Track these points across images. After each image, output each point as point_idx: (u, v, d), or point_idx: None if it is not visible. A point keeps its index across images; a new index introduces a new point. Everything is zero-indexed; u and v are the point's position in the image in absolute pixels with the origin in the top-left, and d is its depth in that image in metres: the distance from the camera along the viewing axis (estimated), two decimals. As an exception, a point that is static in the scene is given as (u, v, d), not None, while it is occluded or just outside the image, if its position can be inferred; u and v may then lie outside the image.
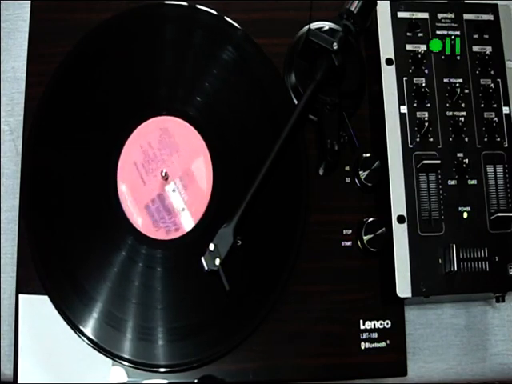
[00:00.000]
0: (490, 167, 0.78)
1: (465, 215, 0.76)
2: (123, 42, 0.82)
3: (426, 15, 0.81)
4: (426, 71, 0.79)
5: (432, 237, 0.75)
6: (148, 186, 0.78)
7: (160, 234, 0.77)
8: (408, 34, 0.80)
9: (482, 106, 0.79)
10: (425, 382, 0.81)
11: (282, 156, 0.76)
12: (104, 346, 0.74)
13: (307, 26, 0.80)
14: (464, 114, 0.79)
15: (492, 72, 0.80)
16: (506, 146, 0.79)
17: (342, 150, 0.78)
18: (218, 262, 0.73)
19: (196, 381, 0.75)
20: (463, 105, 0.79)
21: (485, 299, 0.82)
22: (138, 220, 0.77)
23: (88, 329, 0.75)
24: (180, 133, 0.80)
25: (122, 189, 0.78)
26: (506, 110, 0.79)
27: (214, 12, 0.83)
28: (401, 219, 0.75)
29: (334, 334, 0.77)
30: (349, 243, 0.79)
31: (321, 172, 0.81)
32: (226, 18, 0.83)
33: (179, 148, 0.79)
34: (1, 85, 0.85)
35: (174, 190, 0.78)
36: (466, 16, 0.81)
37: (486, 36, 0.81)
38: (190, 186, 0.78)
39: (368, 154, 0.79)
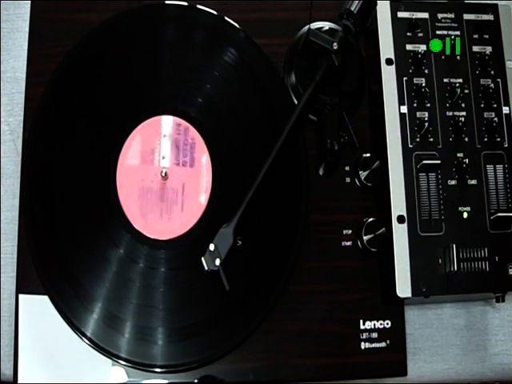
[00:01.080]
0: (490, 167, 0.78)
1: (465, 215, 0.76)
2: (123, 42, 0.82)
3: (426, 15, 0.81)
4: (426, 71, 0.79)
5: (432, 237, 0.75)
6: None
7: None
8: (408, 34, 0.80)
9: (482, 105, 0.79)
10: (425, 382, 0.81)
11: (281, 156, 0.76)
12: (104, 346, 0.74)
13: (307, 26, 0.80)
14: (464, 114, 0.79)
15: (492, 72, 0.80)
16: (506, 145, 0.79)
17: (341, 149, 0.78)
18: (218, 262, 0.73)
19: (196, 381, 0.75)
20: (463, 105, 0.79)
21: (485, 299, 0.82)
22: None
23: (88, 329, 0.75)
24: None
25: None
26: (506, 110, 0.79)
27: (214, 12, 0.83)
28: (401, 219, 0.75)
29: (334, 334, 0.77)
30: (349, 243, 0.79)
31: (321, 172, 0.81)
32: (226, 18, 0.83)
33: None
34: (1, 85, 0.85)
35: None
36: (466, 16, 0.81)
37: (486, 36, 0.81)
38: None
39: (368, 154, 0.79)
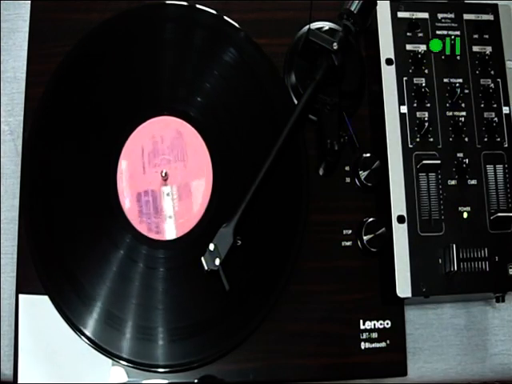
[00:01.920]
0: (490, 167, 0.78)
1: (465, 215, 0.76)
2: (123, 42, 0.82)
3: (426, 15, 0.81)
4: (426, 71, 0.79)
5: (432, 237, 0.75)
6: (147, 176, 0.78)
7: (142, 228, 0.77)
8: (408, 34, 0.80)
9: (482, 105, 0.79)
10: (425, 382, 0.81)
11: (281, 156, 0.76)
12: (104, 346, 0.74)
13: (307, 26, 0.80)
14: (464, 114, 0.79)
15: (492, 72, 0.80)
16: (506, 145, 0.79)
17: (341, 149, 0.78)
18: (217, 261, 0.73)
19: (196, 381, 0.75)
20: (463, 105, 0.79)
21: (485, 299, 0.82)
22: (126, 202, 0.77)
23: (88, 329, 0.75)
24: (192, 144, 0.79)
25: (123, 166, 0.78)
26: (505, 110, 0.79)
27: (214, 12, 0.83)
28: (401, 219, 0.75)
29: (334, 334, 0.77)
30: (349, 243, 0.79)
31: (321, 172, 0.81)
32: (226, 18, 0.83)
33: (187, 159, 0.79)
34: (1, 85, 0.85)
35: (168, 195, 0.78)
36: (466, 16, 0.81)
37: (486, 36, 0.81)
38: (185, 197, 0.78)
39: (368, 154, 0.79)
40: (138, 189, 0.78)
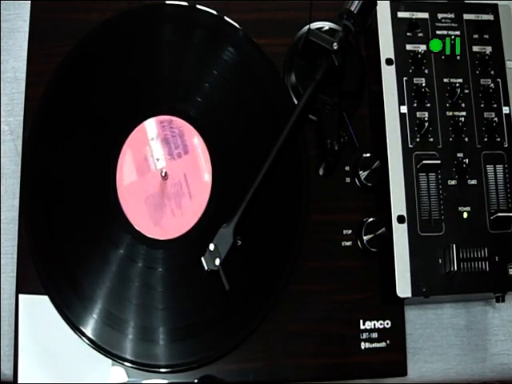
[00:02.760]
0: (490, 167, 0.78)
1: (465, 215, 0.76)
2: (123, 42, 0.82)
3: (426, 15, 0.81)
4: (426, 71, 0.79)
5: (432, 237, 0.75)
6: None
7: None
8: (408, 34, 0.80)
9: (482, 105, 0.79)
10: (425, 382, 0.81)
11: (282, 156, 0.76)
12: (104, 346, 0.74)
13: (307, 26, 0.80)
14: (464, 114, 0.79)
15: (492, 72, 0.80)
16: (506, 145, 0.79)
17: (341, 149, 0.78)
18: (217, 261, 0.73)
19: (196, 381, 0.75)
20: (463, 105, 0.79)
21: (485, 299, 0.82)
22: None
23: (88, 329, 0.75)
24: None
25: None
26: (505, 110, 0.79)
27: (214, 12, 0.83)
28: (401, 219, 0.75)
29: (334, 334, 0.77)
30: (349, 243, 0.79)
31: (321, 172, 0.81)
32: (226, 18, 0.83)
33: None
34: (1, 85, 0.85)
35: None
36: (466, 16, 0.81)
37: (486, 36, 0.81)
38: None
39: (368, 154, 0.79)
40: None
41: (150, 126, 0.79)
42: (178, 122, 0.80)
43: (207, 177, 0.79)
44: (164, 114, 0.80)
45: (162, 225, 0.77)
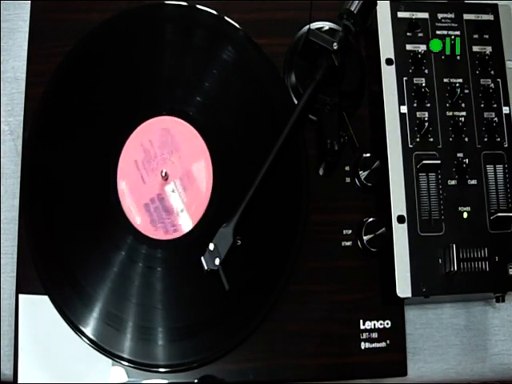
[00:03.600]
0: (490, 167, 0.78)
1: (465, 215, 0.76)
2: (123, 42, 0.82)
3: (426, 15, 0.81)
4: (426, 71, 0.79)
5: (432, 237, 0.75)
6: (148, 185, 0.78)
7: (158, 234, 0.77)
8: (408, 34, 0.80)
9: (482, 105, 0.79)
10: (425, 382, 0.81)
11: (281, 156, 0.76)
12: (104, 346, 0.74)
13: (307, 26, 0.80)
14: (464, 114, 0.79)
15: (492, 72, 0.80)
16: (506, 145, 0.79)
17: (341, 149, 0.78)
18: (217, 261, 0.73)
19: (196, 381, 0.75)
20: (463, 105, 0.79)
21: (485, 299, 0.82)
22: (137, 219, 0.77)
23: (88, 329, 0.75)
24: (181, 133, 0.80)
25: (122, 186, 0.78)
26: (505, 110, 0.79)
27: (214, 12, 0.83)
28: (401, 219, 0.75)
29: (334, 334, 0.77)
30: (349, 243, 0.79)
31: (321, 172, 0.81)
32: (226, 18, 0.82)
33: (180, 148, 0.79)
34: (1, 85, 0.85)
35: (173, 191, 0.78)
36: (466, 16, 0.81)
37: (486, 36, 0.81)
38: (189, 186, 0.78)
39: (368, 154, 0.79)
40: (143, 200, 0.78)
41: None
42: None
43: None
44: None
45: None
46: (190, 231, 0.77)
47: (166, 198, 0.78)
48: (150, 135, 0.79)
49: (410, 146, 0.77)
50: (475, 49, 0.80)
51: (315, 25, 0.82)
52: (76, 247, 0.77)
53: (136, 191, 0.78)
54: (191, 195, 0.78)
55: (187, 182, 0.78)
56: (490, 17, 0.81)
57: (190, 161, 0.79)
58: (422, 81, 0.79)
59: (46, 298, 0.76)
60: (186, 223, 0.77)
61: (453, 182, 0.77)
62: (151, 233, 0.77)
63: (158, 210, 0.78)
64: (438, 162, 0.76)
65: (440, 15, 0.81)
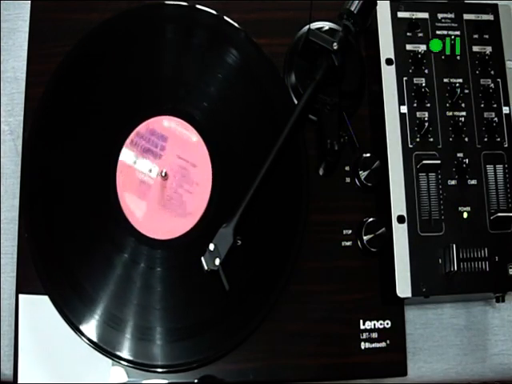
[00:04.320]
0: (490, 167, 0.78)
1: (465, 215, 0.76)
2: (123, 42, 0.82)
3: (426, 15, 0.81)
4: (426, 71, 0.79)
5: (432, 237, 0.75)
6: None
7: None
8: (408, 34, 0.80)
9: (482, 105, 0.79)
10: (425, 382, 0.81)
11: (282, 156, 0.76)
12: (104, 347, 0.74)
13: (307, 26, 0.80)
14: (464, 114, 0.79)
15: (492, 72, 0.80)
16: (506, 145, 0.79)
17: (341, 149, 0.78)
18: (217, 261, 0.73)
19: (196, 381, 0.75)
20: (463, 105, 0.79)
21: (485, 299, 0.82)
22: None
23: (88, 329, 0.75)
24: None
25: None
26: (505, 110, 0.79)
27: (214, 12, 0.83)
28: (401, 219, 0.75)
29: (334, 334, 0.77)
30: (349, 243, 0.79)
31: (321, 172, 0.81)
32: (226, 18, 0.82)
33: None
34: (1, 85, 0.85)
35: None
36: (466, 16, 0.81)
37: (486, 36, 0.81)
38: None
39: (368, 154, 0.79)
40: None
41: (125, 154, 0.79)
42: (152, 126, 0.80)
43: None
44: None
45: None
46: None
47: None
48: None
49: (410, 145, 0.77)
50: (475, 49, 0.80)
51: (315, 25, 0.82)
52: (76, 247, 0.77)
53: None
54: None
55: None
56: (490, 17, 0.81)
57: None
58: (422, 81, 0.79)
59: (46, 297, 0.76)
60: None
61: (453, 182, 0.77)
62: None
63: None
64: (438, 161, 0.76)
65: (440, 15, 0.81)
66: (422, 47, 0.80)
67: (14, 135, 0.84)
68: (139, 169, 0.79)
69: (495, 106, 0.79)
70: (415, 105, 0.78)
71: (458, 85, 0.79)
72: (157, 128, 0.79)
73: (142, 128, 0.79)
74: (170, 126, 0.79)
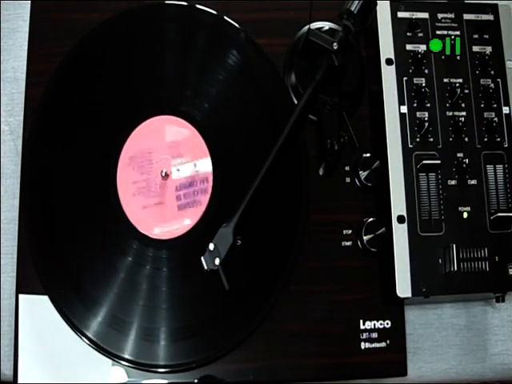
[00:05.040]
0: (490, 167, 0.78)
1: (465, 215, 0.76)
2: (123, 42, 0.82)
3: (426, 15, 0.81)
4: (426, 71, 0.79)
5: (432, 237, 0.75)
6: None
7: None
8: (408, 34, 0.80)
9: (482, 105, 0.79)
10: (425, 382, 0.81)
11: (282, 156, 0.76)
12: (104, 346, 0.74)
13: (307, 26, 0.80)
14: (464, 114, 0.79)
15: (492, 72, 0.80)
16: (506, 145, 0.79)
17: (341, 149, 0.78)
18: (217, 261, 0.73)
19: (196, 381, 0.75)
20: (463, 105, 0.79)
21: (485, 299, 0.82)
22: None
23: (88, 329, 0.74)
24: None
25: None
26: (505, 110, 0.79)
27: (214, 12, 0.83)
28: (401, 219, 0.75)
29: (334, 334, 0.77)
30: (349, 243, 0.79)
31: (321, 172, 0.81)
32: (226, 18, 0.83)
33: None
34: (1, 85, 0.85)
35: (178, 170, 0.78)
36: (466, 16, 0.81)
37: (486, 36, 0.81)
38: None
39: (368, 154, 0.79)
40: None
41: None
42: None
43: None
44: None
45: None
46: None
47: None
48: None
49: (410, 146, 0.77)
50: (475, 49, 0.80)
51: (315, 25, 0.82)
52: (76, 247, 0.77)
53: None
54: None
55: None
56: (490, 17, 0.81)
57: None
58: (422, 81, 0.79)
59: (46, 298, 0.76)
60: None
61: (453, 182, 0.77)
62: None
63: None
64: (438, 162, 0.76)
65: (440, 15, 0.81)
66: (422, 47, 0.80)
67: (14, 135, 0.84)
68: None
69: (495, 106, 0.79)
70: (415, 105, 0.78)
71: (457, 85, 0.79)
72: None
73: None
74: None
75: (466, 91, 0.79)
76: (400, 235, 0.75)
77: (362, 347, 0.77)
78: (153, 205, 0.78)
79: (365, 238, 0.78)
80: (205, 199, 0.78)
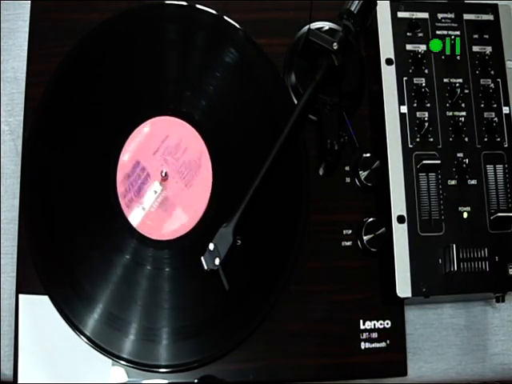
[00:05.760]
0: (490, 167, 0.78)
1: (465, 215, 0.76)
2: (123, 42, 0.82)
3: (426, 15, 0.81)
4: (426, 71, 0.79)
5: (432, 237, 0.75)
6: (154, 158, 0.78)
7: (122, 193, 0.77)
8: (408, 34, 0.80)
9: (482, 105, 0.79)
10: (425, 382, 0.81)
11: (282, 156, 0.76)
12: (104, 346, 0.74)
13: (307, 26, 0.80)
14: (464, 114, 0.79)
15: (492, 72, 0.80)
16: (506, 145, 0.79)
17: (341, 149, 0.78)
18: (217, 261, 0.73)
19: (196, 381, 0.75)
20: (463, 105, 0.79)
21: (485, 299, 0.82)
22: (125, 157, 0.77)
23: (88, 329, 0.75)
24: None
25: (145, 130, 0.79)
26: (505, 110, 0.79)
27: (214, 12, 0.83)
28: (401, 219, 0.75)
29: (334, 334, 0.77)
30: (349, 243, 0.79)
31: (321, 172, 0.81)
32: (226, 17, 0.83)
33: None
34: (1, 85, 0.85)
35: (155, 192, 0.78)
36: (466, 16, 0.81)
37: (486, 36, 0.81)
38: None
39: (368, 154, 0.79)
40: (138, 158, 0.78)
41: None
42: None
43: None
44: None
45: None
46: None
47: (147, 185, 0.78)
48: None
49: (410, 145, 0.77)
50: (475, 49, 0.80)
51: (315, 25, 0.82)
52: (76, 247, 0.77)
53: (143, 149, 0.78)
54: (157, 216, 0.78)
55: (165, 206, 0.78)
56: (490, 17, 0.81)
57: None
58: (422, 81, 0.79)
59: (46, 297, 0.76)
60: (135, 218, 0.77)
61: (453, 182, 0.77)
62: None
63: (137, 178, 0.78)
64: (438, 161, 0.76)
65: (440, 15, 0.81)
66: (422, 47, 0.80)
67: (14, 135, 0.84)
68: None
69: (495, 106, 0.79)
70: (415, 105, 0.78)
71: (458, 85, 0.79)
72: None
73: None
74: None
75: (466, 91, 0.79)
76: (400, 235, 0.75)
77: (362, 347, 0.77)
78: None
79: (365, 238, 0.78)
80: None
